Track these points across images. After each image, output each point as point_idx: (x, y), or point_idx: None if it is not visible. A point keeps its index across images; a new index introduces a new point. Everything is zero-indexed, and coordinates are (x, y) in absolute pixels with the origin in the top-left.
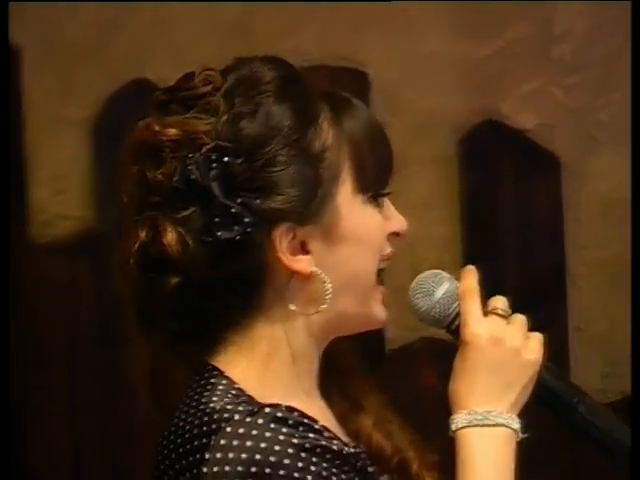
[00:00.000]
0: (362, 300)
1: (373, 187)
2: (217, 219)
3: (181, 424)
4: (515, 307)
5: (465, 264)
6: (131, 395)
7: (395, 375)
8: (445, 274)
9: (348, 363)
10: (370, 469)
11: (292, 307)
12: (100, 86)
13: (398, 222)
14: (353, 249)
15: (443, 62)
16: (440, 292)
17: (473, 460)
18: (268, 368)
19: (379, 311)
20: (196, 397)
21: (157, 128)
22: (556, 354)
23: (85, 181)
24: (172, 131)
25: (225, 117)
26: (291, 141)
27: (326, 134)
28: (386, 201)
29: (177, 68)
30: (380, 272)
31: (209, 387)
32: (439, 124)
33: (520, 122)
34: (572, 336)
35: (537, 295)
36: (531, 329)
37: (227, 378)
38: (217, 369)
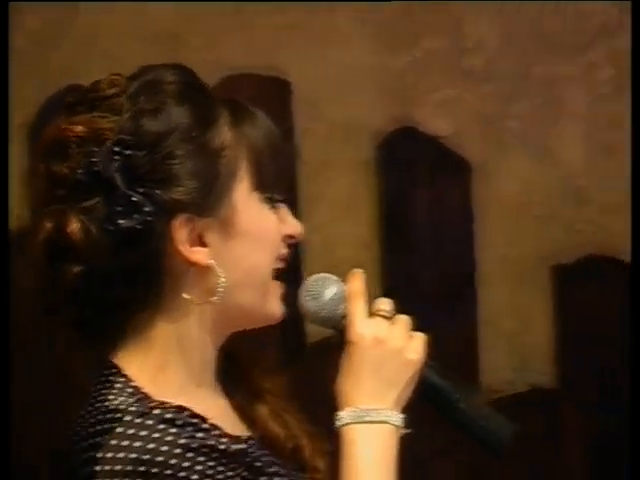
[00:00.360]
0: (258, 295)
1: (269, 189)
2: (119, 208)
3: (81, 420)
4: (429, 303)
5: (382, 264)
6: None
7: (315, 369)
8: (333, 277)
9: (247, 355)
10: (258, 463)
11: (185, 295)
12: (37, 93)
13: (293, 226)
14: (249, 245)
15: (362, 71)
16: (328, 295)
17: (356, 455)
18: (162, 365)
19: (275, 307)
20: (95, 394)
21: (64, 126)
22: (467, 348)
23: (22, 182)
24: (78, 128)
25: (128, 115)
26: (189, 137)
27: (225, 135)
28: (282, 206)
29: None
30: (279, 270)
31: (108, 385)
32: (358, 131)
33: (434, 129)
34: (482, 331)
35: (449, 292)
36: (443, 324)
37: (124, 376)
38: (116, 366)
